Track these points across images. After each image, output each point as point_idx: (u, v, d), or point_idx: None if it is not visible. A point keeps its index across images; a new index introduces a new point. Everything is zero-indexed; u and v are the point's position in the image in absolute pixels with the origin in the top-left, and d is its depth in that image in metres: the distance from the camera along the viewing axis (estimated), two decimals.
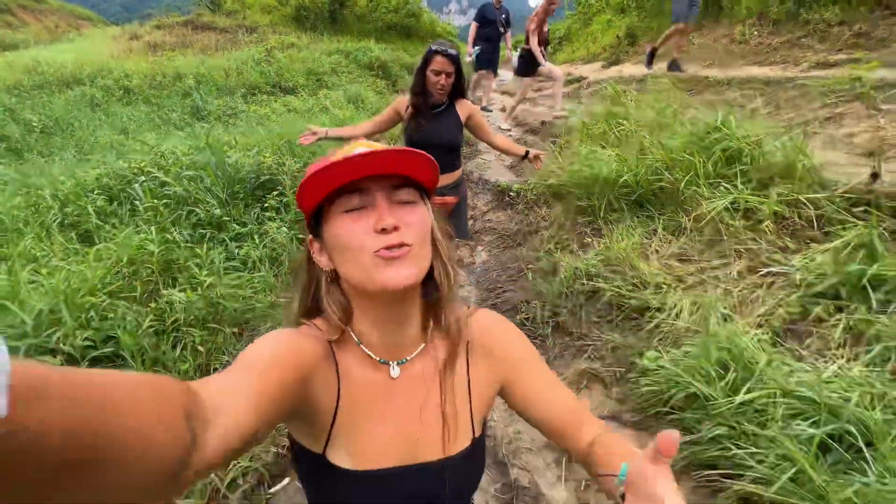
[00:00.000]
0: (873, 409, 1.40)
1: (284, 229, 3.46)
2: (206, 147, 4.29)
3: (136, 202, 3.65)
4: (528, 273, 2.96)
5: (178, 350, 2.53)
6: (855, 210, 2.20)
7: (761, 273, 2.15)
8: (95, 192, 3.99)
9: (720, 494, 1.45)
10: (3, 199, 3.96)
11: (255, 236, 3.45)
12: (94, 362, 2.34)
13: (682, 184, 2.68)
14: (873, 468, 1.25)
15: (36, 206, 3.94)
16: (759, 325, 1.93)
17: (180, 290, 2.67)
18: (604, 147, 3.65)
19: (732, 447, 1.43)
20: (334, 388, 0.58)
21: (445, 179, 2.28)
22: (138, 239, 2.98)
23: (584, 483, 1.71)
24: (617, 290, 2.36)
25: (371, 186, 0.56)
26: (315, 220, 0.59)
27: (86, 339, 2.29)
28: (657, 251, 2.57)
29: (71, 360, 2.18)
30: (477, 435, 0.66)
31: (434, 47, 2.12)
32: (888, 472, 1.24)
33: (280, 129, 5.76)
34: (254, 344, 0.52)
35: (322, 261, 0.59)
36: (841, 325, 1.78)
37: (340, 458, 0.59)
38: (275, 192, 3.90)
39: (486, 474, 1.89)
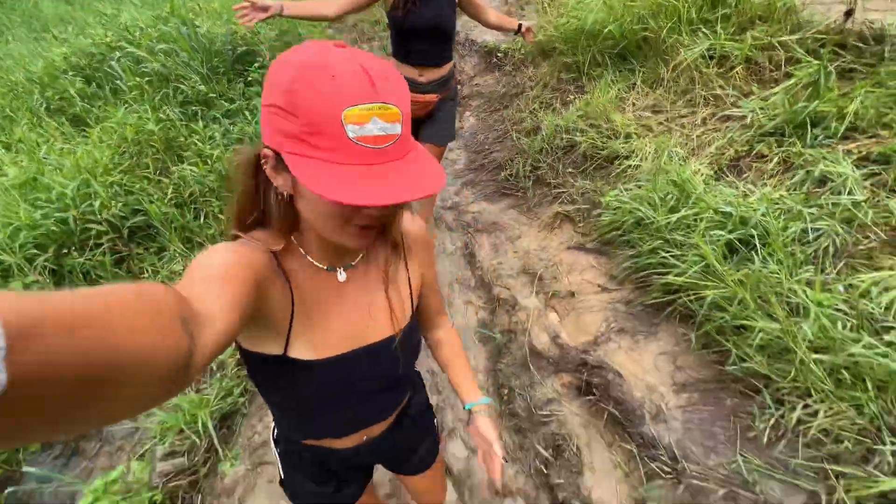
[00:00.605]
0: (777, 219, 1.76)
1: None
2: (170, 16, 4.00)
3: (118, 82, 3.58)
4: (513, 133, 3.14)
5: (202, 219, 2.85)
6: (822, 51, 2.30)
7: (719, 117, 2.36)
8: (69, 73, 3.87)
9: (649, 288, 1.92)
10: None
11: (246, 112, 3.51)
12: (133, 231, 2.67)
13: (665, 31, 2.69)
14: (760, 256, 1.67)
15: (14, 90, 3.86)
16: (710, 164, 2.21)
17: (190, 165, 2.87)
18: None
19: (663, 253, 1.84)
20: (287, 293, 0.60)
21: (434, 73, 1.96)
22: (134, 119, 3.05)
23: (551, 293, 2.19)
24: (592, 141, 2.59)
25: None
26: (289, 144, 0.50)
27: (115, 214, 2.57)
28: (634, 104, 2.72)
29: (113, 229, 2.50)
30: (413, 313, 0.76)
31: None
32: (770, 259, 1.66)
33: None
34: (203, 258, 0.51)
35: (278, 181, 0.54)
36: (776, 159, 2.07)
37: (301, 352, 0.63)
38: (255, 65, 3.80)
39: (473, 292, 2.38)
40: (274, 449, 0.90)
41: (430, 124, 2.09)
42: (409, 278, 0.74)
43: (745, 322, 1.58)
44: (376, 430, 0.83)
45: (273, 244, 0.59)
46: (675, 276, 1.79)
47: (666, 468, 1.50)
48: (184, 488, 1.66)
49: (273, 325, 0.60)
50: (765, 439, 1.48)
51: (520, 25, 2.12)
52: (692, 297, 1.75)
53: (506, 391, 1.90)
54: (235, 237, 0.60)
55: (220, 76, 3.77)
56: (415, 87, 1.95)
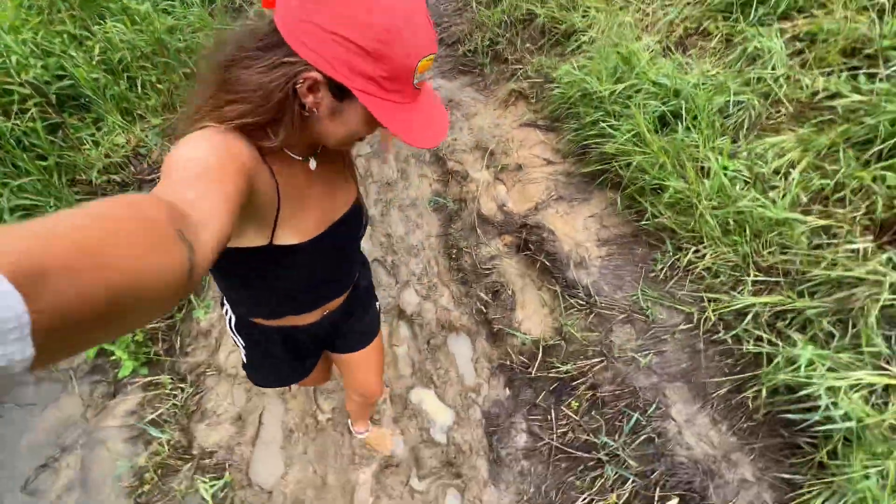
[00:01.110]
0: (706, 92, 1.91)
1: None
2: None
3: None
4: (473, 3, 2.98)
5: (139, 88, 2.65)
6: None
7: None
8: None
9: (587, 159, 2.09)
10: None
11: None
12: (62, 101, 2.47)
13: None
14: (685, 126, 1.84)
15: None
16: (659, 41, 2.26)
17: (114, 23, 2.57)
18: None
19: (602, 124, 1.98)
20: (272, 184, 0.61)
21: None
22: None
23: (500, 167, 2.33)
24: (551, 13, 2.53)
25: None
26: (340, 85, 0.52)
27: (38, 75, 2.34)
28: None
29: (39, 93, 2.31)
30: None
31: None
32: (694, 129, 1.84)
33: None
34: (185, 151, 0.49)
35: (309, 99, 0.54)
36: (719, 36, 2.14)
37: (286, 239, 0.67)
38: None
39: (428, 167, 2.48)
40: (236, 336, 0.95)
41: None
42: (343, 155, 0.81)
43: (661, 183, 1.80)
44: (334, 304, 0.91)
45: (264, 141, 0.58)
46: (610, 145, 1.96)
47: (582, 303, 1.83)
48: (162, 330, 1.85)
49: (259, 216, 0.61)
50: (661, 277, 1.80)
51: None
52: (622, 164, 1.94)
53: (454, 251, 2.12)
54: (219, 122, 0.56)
55: None
56: None
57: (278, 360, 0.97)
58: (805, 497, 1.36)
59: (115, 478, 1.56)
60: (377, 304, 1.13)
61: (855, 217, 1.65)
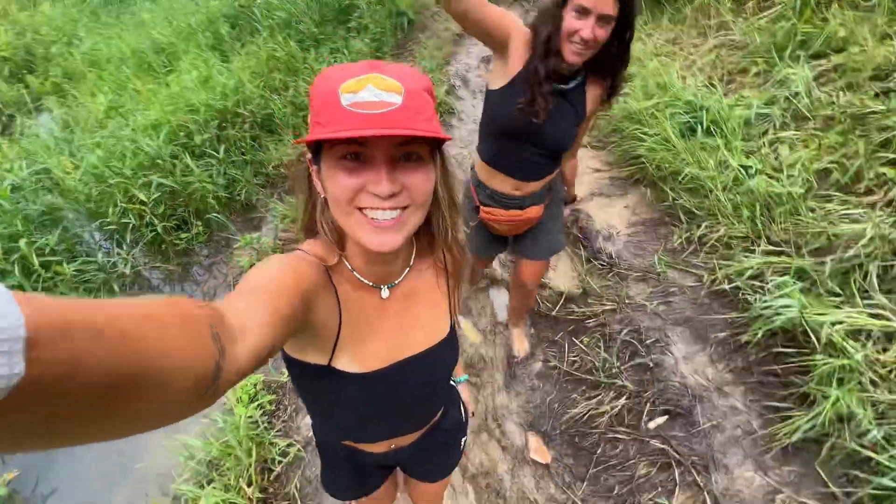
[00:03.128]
0: (731, 106, 2.27)
1: (365, 48, 4.43)
2: None
3: (256, 23, 4.74)
4: None
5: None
6: None
7: (723, 43, 2.80)
8: (220, 20, 5.14)
9: (626, 163, 2.51)
10: (164, 28, 5.26)
11: (345, 50, 4.48)
12: (264, 123, 3.75)
13: None
14: (705, 131, 2.20)
15: (180, 34, 5.22)
16: (702, 82, 2.70)
17: (304, 81, 3.88)
18: None
19: (638, 133, 2.42)
20: (335, 308, 0.62)
21: (537, 185, 1.34)
22: (268, 48, 4.14)
23: None
24: None
25: (375, 142, 0.51)
26: (316, 147, 0.54)
27: (254, 106, 3.64)
28: (651, 35, 3.21)
29: (253, 117, 3.58)
30: (451, 325, 0.77)
31: None
32: (716, 135, 2.18)
33: None
34: (257, 268, 0.52)
35: (318, 185, 0.56)
36: (754, 71, 2.51)
37: (345, 364, 0.65)
38: (355, 14, 4.76)
39: None
40: (313, 434, 0.98)
41: (532, 237, 1.51)
42: (448, 294, 0.76)
43: (679, 169, 2.15)
44: (406, 440, 0.86)
45: (326, 258, 0.61)
46: (641, 147, 2.38)
47: (604, 264, 2.15)
48: None
49: (319, 336, 0.62)
50: (678, 248, 2.06)
51: (574, 198, 1.68)
52: (651, 163, 2.33)
53: None
54: (308, 235, 0.64)
55: (328, 22, 4.79)
56: (507, 201, 1.36)
57: (341, 473, 0.96)
58: (790, 423, 1.44)
59: None
60: (463, 440, 1.03)
61: (874, 203, 1.79)
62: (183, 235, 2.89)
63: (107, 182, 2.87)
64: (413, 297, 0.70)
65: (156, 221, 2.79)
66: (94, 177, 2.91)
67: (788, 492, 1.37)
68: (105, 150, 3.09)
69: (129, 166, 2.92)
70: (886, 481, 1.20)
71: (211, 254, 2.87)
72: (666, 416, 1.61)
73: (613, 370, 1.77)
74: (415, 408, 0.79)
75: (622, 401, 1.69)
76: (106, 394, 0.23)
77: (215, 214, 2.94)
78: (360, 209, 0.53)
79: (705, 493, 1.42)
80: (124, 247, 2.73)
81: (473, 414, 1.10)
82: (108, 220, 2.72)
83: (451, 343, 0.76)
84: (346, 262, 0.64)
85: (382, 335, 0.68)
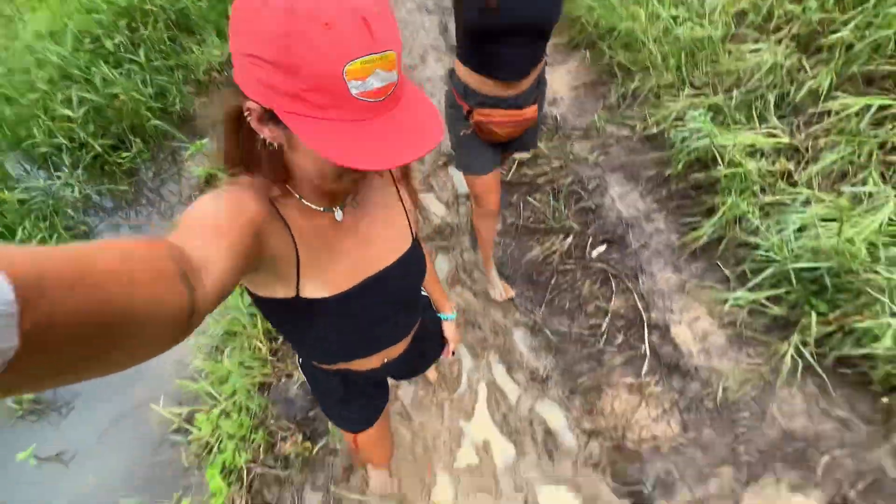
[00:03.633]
0: None
1: None
2: None
3: None
4: None
5: None
6: None
7: None
8: None
9: (571, 30, 2.55)
10: None
11: None
12: (179, 23, 3.36)
13: None
14: None
15: None
16: None
17: None
18: None
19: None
20: (288, 238, 0.59)
21: (527, 82, 1.28)
22: None
23: None
24: None
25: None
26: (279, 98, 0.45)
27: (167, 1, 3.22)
28: None
29: (165, 13, 3.19)
30: (414, 236, 0.76)
31: None
32: None
33: None
34: (197, 207, 0.49)
35: (265, 132, 0.50)
36: None
37: (314, 291, 0.64)
38: None
39: (445, 55, 3.05)
40: (302, 373, 0.97)
41: (524, 137, 1.45)
42: (400, 200, 0.75)
43: (614, 27, 2.24)
44: (395, 351, 0.87)
45: (269, 190, 0.57)
46: (582, 8, 2.41)
47: (551, 127, 2.32)
48: None
49: (280, 270, 0.60)
50: (615, 104, 2.25)
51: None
52: (590, 23, 2.40)
53: None
54: (239, 171, 0.57)
55: None
56: (500, 103, 1.28)
57: (339, 402, 0.96)
58: (698, 231, 1.79)
59: None
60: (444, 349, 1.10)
61: (780, 39, 1.99)
62: (124, 154, 2.76)
63: (19, 102, 2.61)
64: (369, 211, 0.69)
65: (90, 140, 2.63)
66: (2, 98, 2.63)
67: (695, 282, 1.76)
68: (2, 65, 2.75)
69: (42, 79, 2.65)
70: (761, 252, 1.59)
71: (159, 171, 2.79)
72: (605, 245, 1.94)
73: (562, 216, 2.04)
74: (394, 318, 0.81)
75: (570, 239, 1.99)
76: (82, 343, 0.24)
77: (156, 122, 2.79)
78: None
79: (634, 294, 1.79)
80: (64, 170, 2.60)
81: (454, 353, 1.12)
82: (36, 141, 2.54)
83: (416, 251, 0.76)
84: (294, 191, 0.60)
85: (345, 255, 0.67)
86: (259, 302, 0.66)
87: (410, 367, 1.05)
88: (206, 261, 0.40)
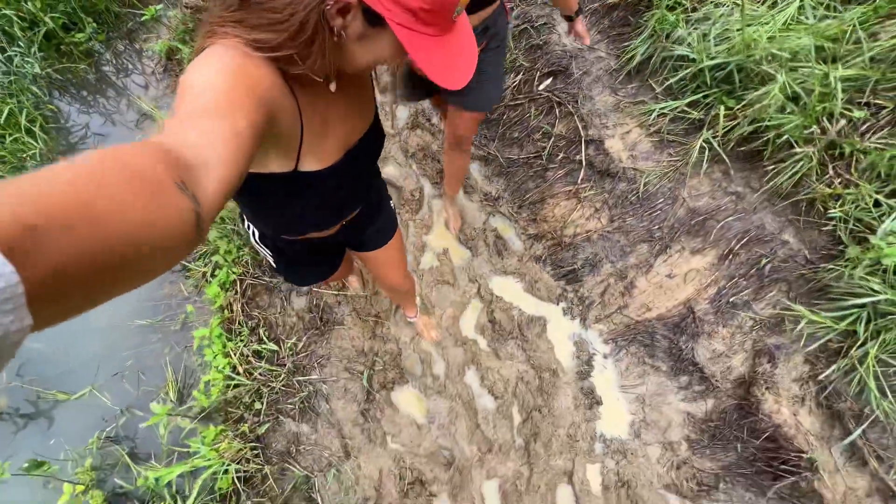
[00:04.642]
0: None
1: None
2: None
3: None
4: None
5: None
6: None
7: None
8: None
9: None
10: None
11: None
12: None
13: None
14: None
15: None
16: None
17: None
18: None
19: None
20: (296, 111, 0.58)
21: (473, 20, 1.18)
22: None
23: None
24: None
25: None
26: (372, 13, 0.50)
27: None
28: None
29: None
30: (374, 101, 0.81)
31: None
32: None
33: None
34: (199, 82, 0.45)
35: (338, 22, 0.50)
36: None
37: (310, 164, 0.65)
38: None
39: None
40: (261, 247, 0.99)
41: (473, 85, 1.30)
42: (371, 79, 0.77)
43: None
44: (352, 215, 0.91)
45: (276, 60, 0.52)
46: None
47: None
48: None
49: (282, 143, 0.59)
50: None
51: (578, 11, 1.33)
52: None
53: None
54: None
55: None
56: None
57: (305, 266, 1.02)
58: (632, 51, 1.93)
59: None
60: (391, 202, 1.13)
61: None
62: (78, 35, 2.71)
63: None
64: (350, 81, 0.68)
65: (39, 14, 2.57)
66: None
67: (629, 100, 1.94)
68: None
69: None
70: (684, 56, 1.76)
71: (117, 53, 2.76)
72: (551, 77, 2.07)
73: (514, 57, 2.15)
74: (362, 185, 0.84)
75: (520, 76, 2.12)
76: (93, 274, 0.24)
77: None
78: None
79: (576, 117, 1.97)
80: (21, 44, 2.57)
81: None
82: None
83: (377, 119, 0.81)
84: (297, 58, 0.54)
85: (335, 127, 0.67)
86: (246, 179, 0.62)
87: (368, 234, 1.07)
88: (207, 160, 0.38)
